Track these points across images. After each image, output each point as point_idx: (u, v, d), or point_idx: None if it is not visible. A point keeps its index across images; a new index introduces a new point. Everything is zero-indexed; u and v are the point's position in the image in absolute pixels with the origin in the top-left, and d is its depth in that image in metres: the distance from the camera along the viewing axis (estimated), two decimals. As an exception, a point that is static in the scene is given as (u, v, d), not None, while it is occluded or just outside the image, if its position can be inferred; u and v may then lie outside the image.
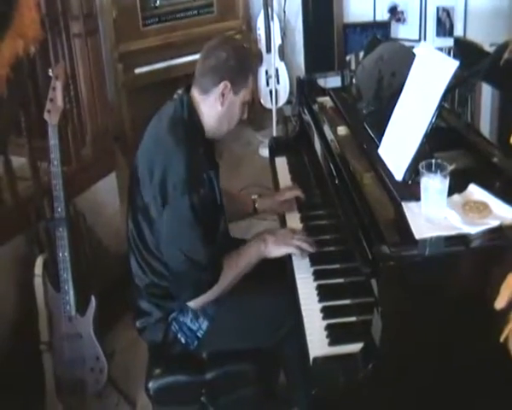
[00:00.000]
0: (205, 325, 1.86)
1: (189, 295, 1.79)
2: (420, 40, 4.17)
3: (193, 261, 1.73)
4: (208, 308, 1.86)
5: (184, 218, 1.68)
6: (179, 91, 1.85)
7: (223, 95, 1.76)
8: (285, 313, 1.82)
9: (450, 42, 3.64)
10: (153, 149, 1.79)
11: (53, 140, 2.31)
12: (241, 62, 1.77)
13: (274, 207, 2.22)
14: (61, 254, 2.30)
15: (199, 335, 1.86)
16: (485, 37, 2.69)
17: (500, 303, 1.14)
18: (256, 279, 1.88)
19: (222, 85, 1.75)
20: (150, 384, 1.87)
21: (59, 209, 2.31)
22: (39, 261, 2.34)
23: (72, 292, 2.31)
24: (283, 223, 2.14)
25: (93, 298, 2.34)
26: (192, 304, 1.81)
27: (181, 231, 1.71)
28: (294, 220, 2.12)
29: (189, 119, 1.78)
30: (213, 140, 1.91)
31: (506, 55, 1.22)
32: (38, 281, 2.32)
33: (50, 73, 2.38)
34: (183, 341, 1.87)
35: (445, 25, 4.09)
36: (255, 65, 1.75)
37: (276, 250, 1.85)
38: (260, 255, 1.86)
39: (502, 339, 1.14)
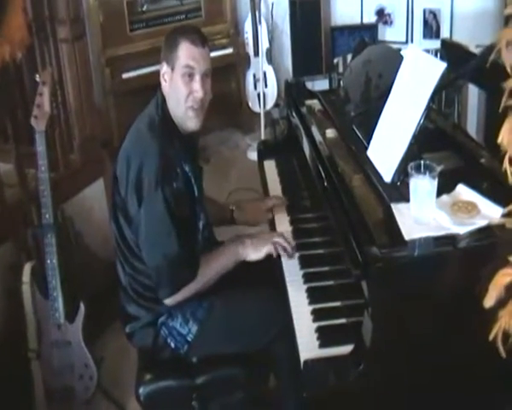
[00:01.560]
0: (194, 328, 1.85)
1: (166, 292, 1.78)
2: (407, 42, 4.20)
3: (168, 258, 1.73)
4: (197, 312, 1.86)
5: (158, 213, 1.69)
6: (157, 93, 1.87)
7: (164, 78, 1.79)
8: (274, 316, 1.81)
9: (436, 44, 3.65)
10: (130, 147, 1.80)
11: (40, 146, 2.29)
12: (167, 39, 1.80)
13: (253, 216, 2.20)
14: (49, 261, 2.28)
15: (189, 339, 1.85)
16: (471, 38, 2.71)
17: (489, 302, 1.14)
18: (245, 282, 1.89)
19: (162, 68, 1.80)
20: (140, 390, 1.86)
21: (47, 216, 2.30)
22: (27, 268, 2.32)
23: (60, 299, 2.29)
24: (273, 226, 2.13)
25: (82, 305, 2.32)
26: (168, 301, 1.80)
27: (156, 226, 1.72)
28: (284, 223, 2.11)
29: (162, 114, 1.80)
30: (193, 136, 1.92)
31: (492, 57, 1.22)
32: (26, 288, 2.30)
33: (37, 79, 2.37)
34: (172, 345, 1.86)
35: (431, 27, 4.12)
36: (186, 33, 1.68)
37: (253, 253, 1.84)
38: (238, 258, 1.85)
39: (491, 337, 1.14)
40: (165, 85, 1.81)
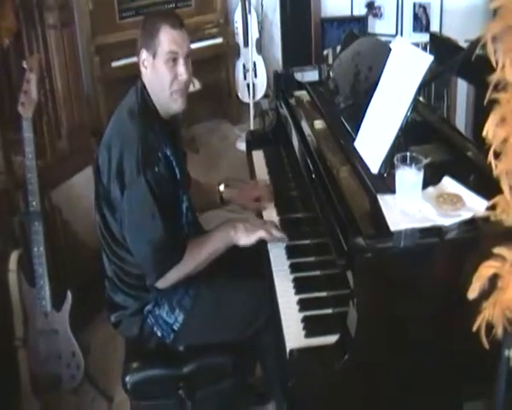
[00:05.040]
0: (181, 317, 1.86)
1: (153, 277, 1.79)
2: (396, 35, 4.20)
3: (153, 242, 1.73)
4: (184, 301, 1.86)
5: (142, 197, 1.69)
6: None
7: (145, 66, 1.79)
8: (260, 305, 1.83)
9: (426, 37, 3.66)
10: (111, 135, 1.80)
11: (27, 133, 2.28)
12: (146, 26, 1.78)
13: (242, 198, 2.21)
14: (36, 249, 2.27)
15: (175, 328, 1.86)
16: (460, 33, 2.72)
17: (472, 293, 1.15)
18: (231, 272, 1.90)
19: (140, 56, 1.78)
20: (127, 379, 1.86)
21: (34, 203, 2.28)
22: (14, 256, 2.30)
23: (47, 287, 2.28)
24: (260, 216, 2.14)
25: (69, 293, 2.31)
26: (160, 284, 1.80)
27: (140, 211, 1.72)
28: (271, 213, 2.12)
29: (141, 99, 1.80)
30: (175, 120, 1.93)
31: (478, 51, 1.23)
32: (13, 276, 2.28)
33: (24, 65, 2.34)
34: (159, 334, 1.87)
35: (421, 20, 4.13)
36: (165, 18, 1.75)
37: (245, 238, 1.84)
38: (229, 241, 1.84)
39: (474, 329, 1.16)
40: (145, 72, 1.80)
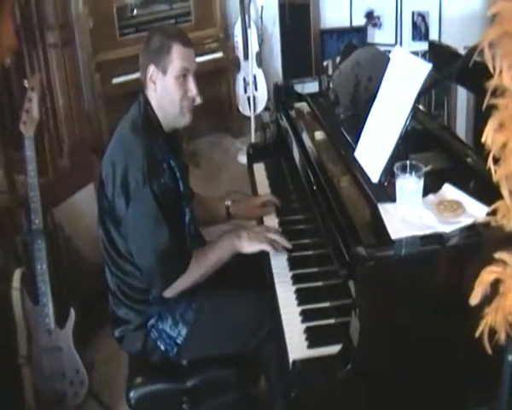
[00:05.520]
0: (184, 331, 1.85)
1: (158, 287, 1.79)
2: (396, 45, 4.22)
3: (159, 251, 1.74)
4: (187, 314, 1.86)
5: (147, 208, 1.70)
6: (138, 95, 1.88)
7: (153, 81, 1.80)
8: (263, 317, 1.82)
9: (425, 46, 3.68)
10: (115, 150, 1.80)
11: (29, 152, 2.29)
12: (158, 41, 1.79)
13: (248, 212, 2.21)
14: (39, 267, 2.28)
15: (178, 341, 1.85)
16: (459, 40, 2.72)
17: (474, 299, 1.14)
18: (234, 284, 1.90)
19: (149, 72, 1.79)
20: (131, 394, 1.85)
21: (36, 221, 2.29)
22: (17, 274, 2.31)
23: (50, 305, 2.29)
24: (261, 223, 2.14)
25: (72, 310, 2.32)
26: (167, 294, 1.80)
27: (146, 221, 1.72)
28: (272, 225, 2.11)
29: (145, 113, 1.81)
30: (177, 134, 1.95)
31: (478, 57, 1.23)
32: (16, 294, 2.29)
33: (26, 84, 2.36)
34: (162, 348, 1.86)
35: (420, 29, 4.14)
36: (177, 36, 1.80)
37: (249, 246, 1.85)
38: (233, 250, 1.86)
39: (477, 334, 1.15)
40: (153, 88, 1.81)
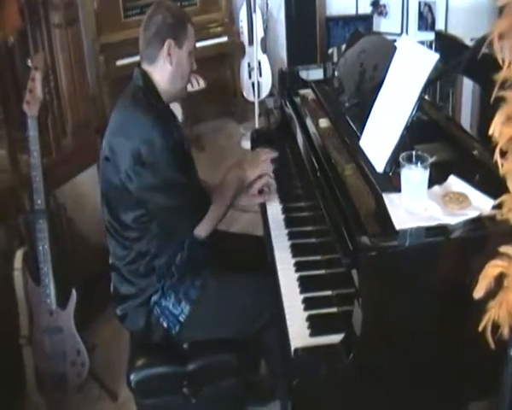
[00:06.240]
0: (187, 309, 1.87)
1: (189, 226, 1.84)
2: (402, 34, 4.19)
3: (183, 193, 1.80)
4: (190, 292, 1.88)
5: (166, 158, 1.75)
6: (134, 71, 1.92)
7: (169, 54, 1.84)
8: (266, 302, 1.84)
9: (431, 36, 3.65)
10: (122, 122, 1.83)
11: (32, 131, 2.28)
12: (176, 17, 1.86)
13: (250, 201, 2.20)
14: (41, 247, 2.28)
15: (181, 319, 1.87)
16: (466, 31, 2.72)
17: (478, 293, 1.14)
18: (238, 267, 1.94)
19: (166, 45, 1.83)
20: (132, 376, 1.87)
21: (39, 201, 2.29)
22: (19, 254, 2.31)
23: (52, 285, 2.29)
24: (264, 214, 2.14)
25: (74, 291, 2.32)
26: (201, 233, 1.85)
27: (165, 170, 1.77)
28: (276, 212, 2.12)
29: (146, 85, 1.86)
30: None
31: (486, 49, 1.22)
32: (18, 274, 2.29)
33: (30, 64, 2.35)
34: (165, 325, 1.88)
35: (426, 19, 4.12)
36: (186, 15, 1.92)
37: (252, 174, 2.04)
38: (241, 180, 2.01)
39: (480, 328, 1.15)
40: (169, 61, 1.84)
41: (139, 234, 1.84)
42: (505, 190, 1.19)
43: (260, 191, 2.14)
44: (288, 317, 1.61)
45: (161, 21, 1.83)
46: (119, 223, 1.85)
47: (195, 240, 1.88)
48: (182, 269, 1.89)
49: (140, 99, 1.81)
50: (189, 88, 2.01)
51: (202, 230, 1.85)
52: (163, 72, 1.86)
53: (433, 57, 1.55)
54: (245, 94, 4.79)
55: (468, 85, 2.12)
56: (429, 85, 1.78)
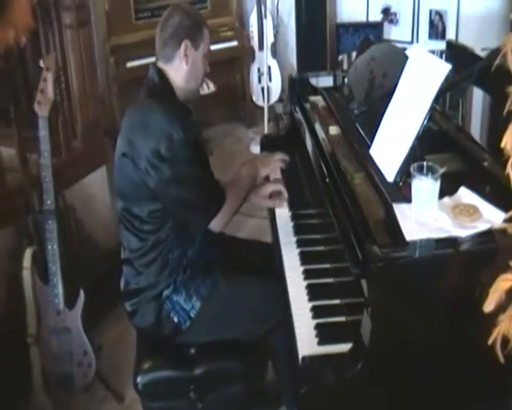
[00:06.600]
0: (198, 305, 1.89)
1: (205, 219, 1.86)
2: (412, 42, 4.19)
3: (200, 186, 1.84)
4: (201, 289, 1.90)
5: (184, 152, 1.78)
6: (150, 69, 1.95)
7: (186, 54, 1.87)
8: (275, 305, 1.85)
9: (442, 45, 3.65)
10: (141, 119, 1.84)
11: (43, 132, 2.30)
12: (194, 19, 1.90)
13: (259, 203, 2.21)
14: (49, 247, 2.29)
15: (191, 315, 1.89)
16: (476, 41, 2.71)
17: (489, 307, 1.14)
18: (249, 271, 1.97)
19: (183, 46, 1.86)
20: (139, 379, 1.87)
21: (48, 202, 2.30)
22: (28, 254, 2.32)
23: (60, 285, 2.30)
24: (273, 221, 2.14)
25: (82, 292, 2.33)
26: (217, 227, 1.87)
27: (184, 163, 1.80)
28: (285, 219, 2.12)
29: (161, 82, 1.89)
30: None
31: (498, 61, 1.23)
32: (27, 274, 2.30)
33: (41, 64, 2.36)
34: (175, 320, 1.89)
35: (437, 28, 4.12)
36: (203, 18, 1.98)
37: (264, 170, 2.09)
38: (253, 176, 2.04)
39: (490, 342, 1.15)
40: (185, 61, 1.88)
41: (155, 227, 1.87)
42: (516, 203, 1.19)
43: (271, 196, 2.15)
44: (296, 324, 1.61)
45: (178, 23, 1.86)
46: (135, 217, 1.88)
47: (206, 238, 1.91)
48: (193, 266, 1.91)
49: (157, 95, 1.85)
50: (200, 91, 2.02)
51: (217, 224, 1.88)
52: (179, 71, 1.89)
53: (445, 68, 1.56)
54: (254, 99, 4.80)
55: (478, 95, 2.12)
56: (441, 96, 1.78)
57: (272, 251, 2.03)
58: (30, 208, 2.48)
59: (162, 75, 1.89)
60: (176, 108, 1.84)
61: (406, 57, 1.75)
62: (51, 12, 2.66)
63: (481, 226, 1.37)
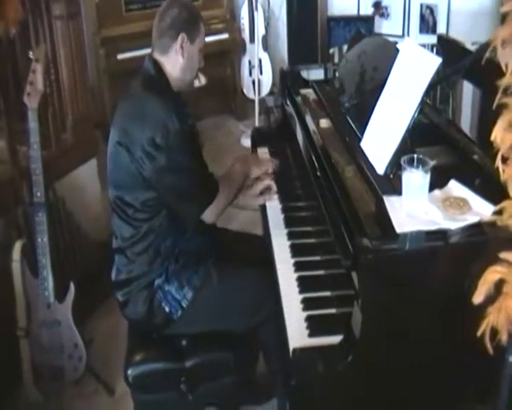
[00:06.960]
0: (189, 294, 1.89)
1: (199, 209, 1.89)
2: (403, 36, 4.21)
3: (194, 177, 1.86)
4: (193, 279, 1.90)
5: (178, 142, 1.80)
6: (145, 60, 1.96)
7: (182, 47, 1.89)
8: (266, 297, 1.85)
9: (433, 39, 3.67)
10: (135, 109, 1.85)
11: (32, 123, 2.28)
12: (191, 13, 1.93)
13: (250, 201, 2.22)
14: (39, 240, 2.28)
15: (183, 304, 1.89)
16: (467, 35, 2.72)
17: (477, 298, 1.15)
18: (241, 263, 1.99)
19: (180, 38, 1.88)
20: (129, 371, 1.87)
21: (38, 194, 2.29)
22: (17, 246, 2.31)
23: (50, 278, 2.29)
24: (264, 213, 2.14)
25: (72, 285, 2.32)
26: (209, 218, 1.91)
27: (178, 154, 1.82)
28: (275, 211, 2.13)
29: (156, 73, 1.91)
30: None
31: (487, 55, 1.23)
32: (16, 266, 2.29)
33: (31, 56, 2.35)
34: (167, 309, 1.89)
35: (428, 22, 4.13)
36: (199, 13, 2.00)
37: (255, 170, 2.14)
38: (245, 173, 2.09)
39: (479, 334, 1.16)
40: (181, 53, 1.89)
41: (148, 215, 1.88)
42: (505, 196, 1.20)
43: (261, 193, 2.16)
44: (286, 316, 1.62)
45: (177, 15, 1.88)
46: (128, 205, 1.88)
47: (199, 228, 1.92)
48: (185, 255, 1.92)
49: (152, 86, 1.86)
50: (193, 83, 2.03)
51: (209, 215, 1.90)
52: (174, 63, 1.91)
53: (436, 61, 1.56)
54: (245, 91, 4.79)
55: (468, 88, 2.13)
56: (431, 89, 1.79)
57: (263, 243, 2.03)
58: (20, 201, 2.47)
59: (158, 67, 1.90)
60: (172, 99, 1.85)
61: (397, 51, 1.75)
62: (41, 3, 2.63)
63: (471, 219, 1.38)
